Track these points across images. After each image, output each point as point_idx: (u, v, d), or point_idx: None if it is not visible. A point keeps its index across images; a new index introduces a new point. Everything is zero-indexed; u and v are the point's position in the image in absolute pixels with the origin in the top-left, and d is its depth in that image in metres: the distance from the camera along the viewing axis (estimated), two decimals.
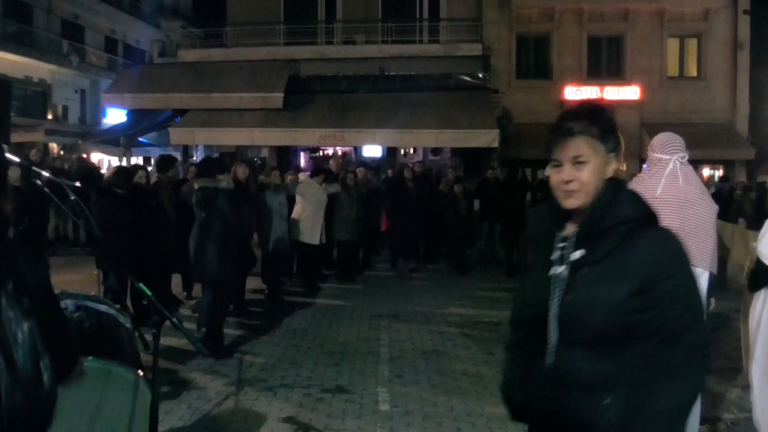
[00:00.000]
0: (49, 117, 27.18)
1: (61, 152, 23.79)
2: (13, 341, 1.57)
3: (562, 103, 19.53)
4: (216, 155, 21.28)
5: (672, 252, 1.93)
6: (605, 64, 20.93)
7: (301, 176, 10.63)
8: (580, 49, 20.64)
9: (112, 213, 7.30)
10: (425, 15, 20.80)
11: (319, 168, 11.62)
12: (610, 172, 1.99)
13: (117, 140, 20.90)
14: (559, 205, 2.02)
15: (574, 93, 20.10)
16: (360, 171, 13.32)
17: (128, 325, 3.62)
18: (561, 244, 2.03)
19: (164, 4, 36.86)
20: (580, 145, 1.95)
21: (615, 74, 20.67)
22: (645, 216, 1.96)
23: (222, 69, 19.08)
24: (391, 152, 20.55)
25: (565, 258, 1.99)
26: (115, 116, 24.53)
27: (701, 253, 4.24)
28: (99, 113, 29.09)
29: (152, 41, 33.97)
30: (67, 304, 3.31)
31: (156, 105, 19.34)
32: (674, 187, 4.30)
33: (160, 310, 2.72)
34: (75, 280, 7.96)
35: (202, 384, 6.01)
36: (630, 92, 20.25)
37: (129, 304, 6.98)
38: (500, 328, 8.23)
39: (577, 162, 1.95)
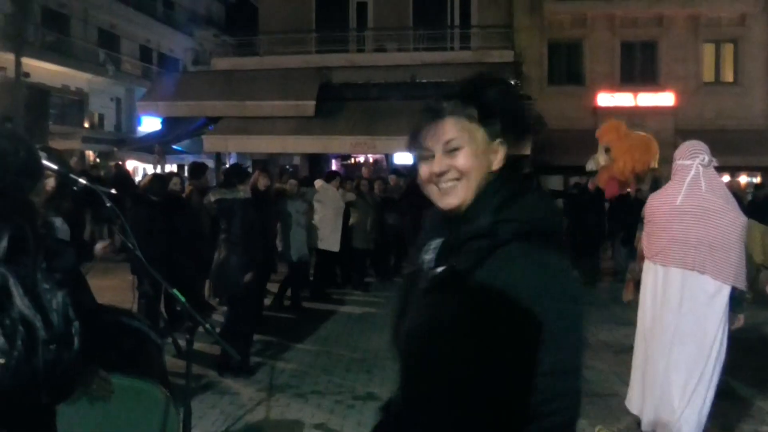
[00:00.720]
0: (86, 125, 27.66)
1: (97, 159, 24.18)
2: (49, 307, 1.85)
3: (595, 109, 19.38)
4: (243, 162, 21.50)
5: (538, 288, 1.39)
6: (639, 70, 20.68)
7: (318, 183, 10.63)
8: (613, 55, 20.45)
9: (147, 220, 7.38)
10: (456, 22, 20.78)
11: (334, 172, 11.56)
12: (496, 162, 1.57)
13: (151, 148, 21.19)
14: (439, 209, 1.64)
15: (608, 99, 19.93)
16: (392, 179, 13.32)
17: (158, 341, 3.66)
18: (427, 256, 1.62)
19: (198, 13, 37.36)
20: (452, 128, 1.56)
21: (649, 80, 20.43)
22: (526, 229, 1.45)
23: (254, 77, 19.24)
24: None
25: (425, 273, 1.59)
26: (149, 124, 24.92)
27: (723, 266, 4.12)
28: (134, 121, 29.58)
29: (186, 50, 34.42)
30: (106, 317, 3.36)
31: (190, 113, 19.57)
32: (695, 196, 4.20)
33: (193, 316, 2.75)
34: (110, 286, 8.08)
35: (235, 390, 6.05)
36: (664, 98, 20.00)
37: (163, 309, 7.07)
38: None
39: (451, 149, 1.55)
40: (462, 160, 1.54)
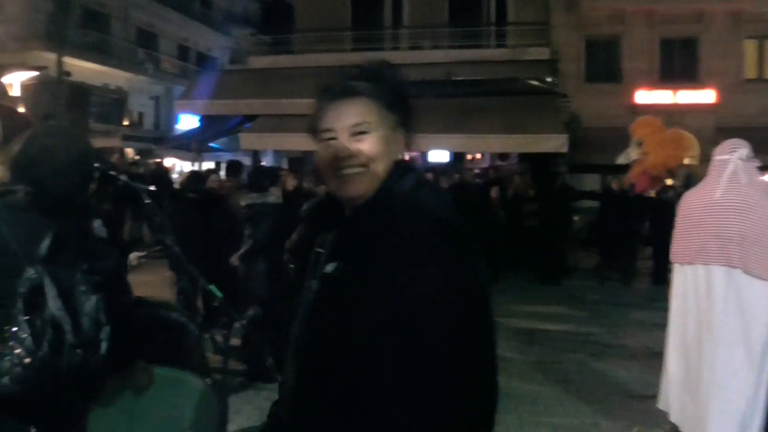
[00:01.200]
0: (126, 123, 28.07)
1: (137, 157, 24.55)
2: (81, 310, 1.88)
3: (634, 107, 19.09)
4: (278, 160, 21.62)
5: (459, 280, 1.35)
6: (678, 66, 20.32)
7: None
8: (651, 52, 20.14)
9: (185, 217, 7.47)
10: (492, 19, 20.66)
11: None
12: (399, 152, 1.49)
13: (189, 145, 21.45)
14: (330, 198, 1.53)
15: (646, 97, 19.63)
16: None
17: (196, 332, 3.70)
18: (320, 250, 1.53)
19: (235, 13, 37.68)
20: (363, 110, 1.45)
21: (689, 77, 20.07)
22: (434, 222, 1.38)
23: (290, 75, 19.33)
24: (457, 157, 20.45)
25: (318, 270, 1.48)
26: (187, 122, 25.22)
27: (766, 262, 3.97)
28: (172, 119, 29.96)
29: (223, 49, 34.74)
30: (140, 311, 3.42)
31: (227, 111, 19.76)
32: (735, 190, 4.06)
33: (230, 312, 2.78)
34: (149, 281, 8.18)
35: (271, 386, 6.09)
36: (705, 96, 19.64)
37: (200, 305, 7.15)
38: (568, 337, 8.10)
39: (358, 132, 1.43)
40: (370, 144, 1.43)
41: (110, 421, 2.65)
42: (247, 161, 16.92)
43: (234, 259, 6.53)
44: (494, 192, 12.51)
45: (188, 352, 3.52)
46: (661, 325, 7.69)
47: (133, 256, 3.99)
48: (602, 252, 12.99)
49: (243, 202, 6.60)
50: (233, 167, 9.46)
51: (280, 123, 18.08)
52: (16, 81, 16.59)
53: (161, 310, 3.54)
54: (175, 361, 3.21)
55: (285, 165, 20.56)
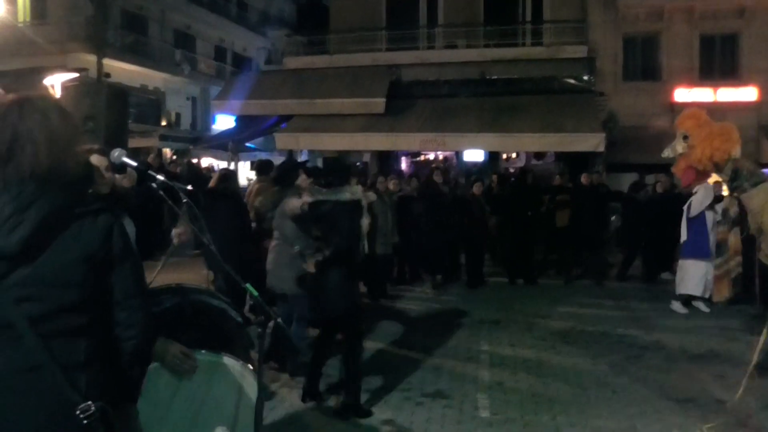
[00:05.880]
0: (163, 123, 28.47)
1: (174, 157, 24.87)
2: None
3: (672, 105, 18.79)
4: (313, 159, 21.71)
5: None
6: (719, 64, 19.93)
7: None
8: (691, 49, 19.77)
9: (221, 215, 7.52)
10: (528, 17, 20.49)
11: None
12: None
13: (225, 145, 21.67)
14: None
15: (685, 95, 19.29)
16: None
17: (239, 318, 3.74)
18: None
19: (270, 14, 37.96)
20: None
21: (729, 75, 19.66)
22: None
23: (325, 75, 19.43)
24: (493, 157, 20.35)
25: None
26: (223, 122, 25.46)
27: None
28: (209, 119, 30.29)
29: (259, 49, 35.03)
30: (181, 297, 3.48)
31: (262, 111, 19.91)
32: None
33: (266, 311, 2.79)
34: (185, 280, 8.27)
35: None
36: (746, 93, 19.22)
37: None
38: (604, 339, 8.01)
39: None
40: None
41: (151, 402, 2.70)
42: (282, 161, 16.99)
43: (310, 267, 5.76)
44: (476, 189, 11.89)
45: (231, 338, 3.56)
46: (700, 328, 7.56)
47: (175, 233, 3.96)
48: (575, 250, 12.59)
49: (309, 198, 5.63)
50: (264, 166, 9.42)
51: (316, 123, 18.18)
52: (56, 83, 16.91)
53: (202, 296, 3.59)
54: (218, 345, 3.24)
55: (320, 165, 20.69)
